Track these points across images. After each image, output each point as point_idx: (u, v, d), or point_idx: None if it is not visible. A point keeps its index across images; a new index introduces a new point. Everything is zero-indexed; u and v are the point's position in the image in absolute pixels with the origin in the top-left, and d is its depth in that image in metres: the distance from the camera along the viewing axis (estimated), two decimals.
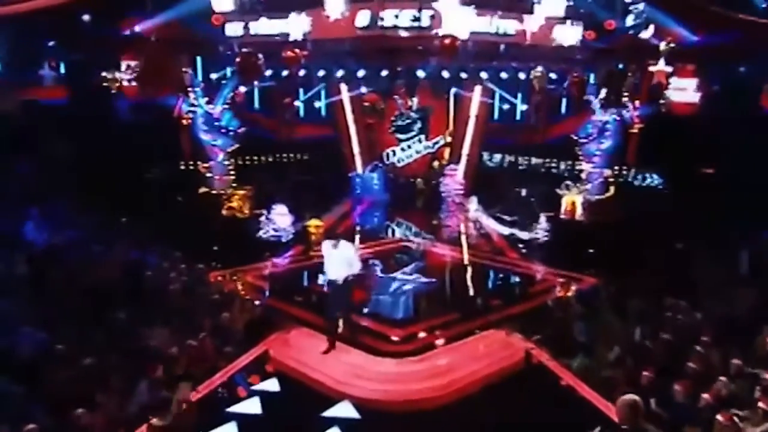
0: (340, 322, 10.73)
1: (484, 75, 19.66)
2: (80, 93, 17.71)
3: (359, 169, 22.89)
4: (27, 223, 13.56)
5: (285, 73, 18.40)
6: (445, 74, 19.30)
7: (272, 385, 9.64)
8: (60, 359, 9.20)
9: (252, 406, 9.16)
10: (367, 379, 9.66)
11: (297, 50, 16.87)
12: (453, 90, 21.79)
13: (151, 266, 13.34)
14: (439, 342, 10.81)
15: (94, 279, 12.11)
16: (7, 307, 10.46)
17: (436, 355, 10.36)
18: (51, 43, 18.01)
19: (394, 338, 10.95)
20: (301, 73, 18.94)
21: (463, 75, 19.60)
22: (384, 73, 19.25)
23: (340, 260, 10.08)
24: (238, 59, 17.06)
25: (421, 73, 19.23)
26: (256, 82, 19.41)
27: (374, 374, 9.76)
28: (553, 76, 18.58)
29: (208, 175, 18.25)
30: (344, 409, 9.04)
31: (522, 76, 19.04)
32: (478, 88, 21.43)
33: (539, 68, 18.27)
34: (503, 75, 19.46)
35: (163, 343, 10.12)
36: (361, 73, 19.48)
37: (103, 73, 17.84)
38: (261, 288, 13.44)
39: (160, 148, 17.84)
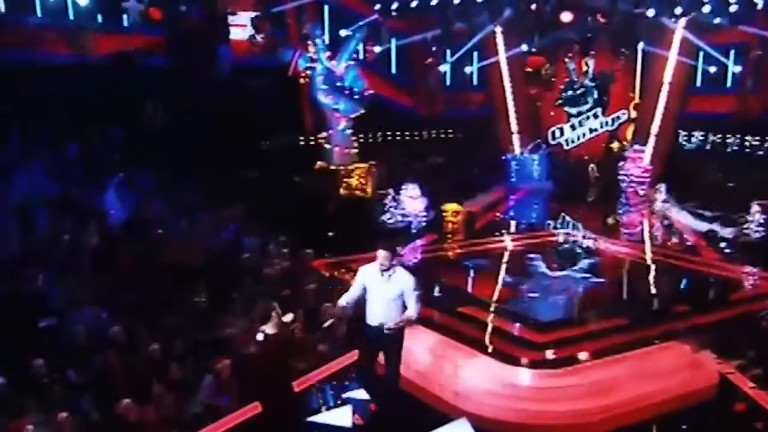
0: None
1: (683, 23, 18.14)
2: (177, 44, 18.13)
3: (516, 150, 22.51)
4: (108, 191, 13.80)
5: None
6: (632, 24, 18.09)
7: (342, 417, 9.05)
8: (116, 343, 9.33)
9: (340, 418, 8.81)
10: (493, 393, 9.08)
11: None
12: (641, 47, 20.36)
13: (247, 249, 13.39)
14: (598, 352, 9.86)
15: (176, 258, 12.23)
16: (71, 283, 10.76)
17: (592, 368, 9.52)
18: None
19: (537, 343, 10.19)
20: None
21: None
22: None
23: (389, 297, 8.17)
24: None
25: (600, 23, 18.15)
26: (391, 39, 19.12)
27: (504, 388, 9.16)
28: None
29: (327, 146, 18.27)
30: (461, 429, 8.52)
31: None
32: (675, 43, 19.73)
33: None
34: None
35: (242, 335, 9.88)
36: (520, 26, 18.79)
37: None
38: None
39: (269, 114, 18.05)
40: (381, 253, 7.99)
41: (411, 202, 16.64)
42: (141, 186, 14.87)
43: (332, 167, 17.95)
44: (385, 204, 16.66)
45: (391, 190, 16.81)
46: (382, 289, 8.06)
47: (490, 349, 9.95)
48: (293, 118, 18.92)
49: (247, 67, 18.52)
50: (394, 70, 22.82)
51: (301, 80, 18.13)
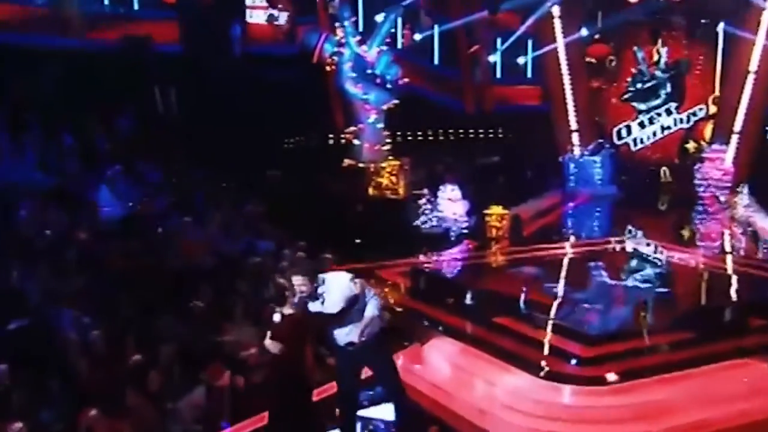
0: None
1: None
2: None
3: (576, 151, 22.09)
4: (102, 185, 13.93)
5: None
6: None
7: (388, 412, 9.08)
8: (94, 349, 9.41)
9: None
10: (529, 414, 8.99)
11: None
12: (721, 29, 19.86)
13: (259, 253, 13.32)
14: (653, 369, 9.65)
15: (175, 261, 12.38)
16: (50, 281, 10.80)
17: (645, 387, 9.31)
18: None
19: (583, 357, 9.95)
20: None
21: None
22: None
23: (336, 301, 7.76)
24: None
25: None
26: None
27: (542, 408, 9.05)
28: None
29: (355, 142, 18.22)
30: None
31: None
32: (764, 24, 19.36)
33: None
34: None
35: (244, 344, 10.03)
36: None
37: None
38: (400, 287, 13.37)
39: (291, 106, 18.12)
40: (297, 281, 7.49)
41: (450, 204, 16.49)
42: (147, 180, 15.11)
43: (361, 165, 17.92)
44: (419, 206, 16.51)
45: (426, 191, 16.68)
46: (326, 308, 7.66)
47: (527, 364, 9.78)
48: (318, 111, 19.00)
49: (267, 55, 18.96)
50: (436, 61, 22.55)
51: (327, 68, 18.18)
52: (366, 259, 14.17)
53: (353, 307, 7.64)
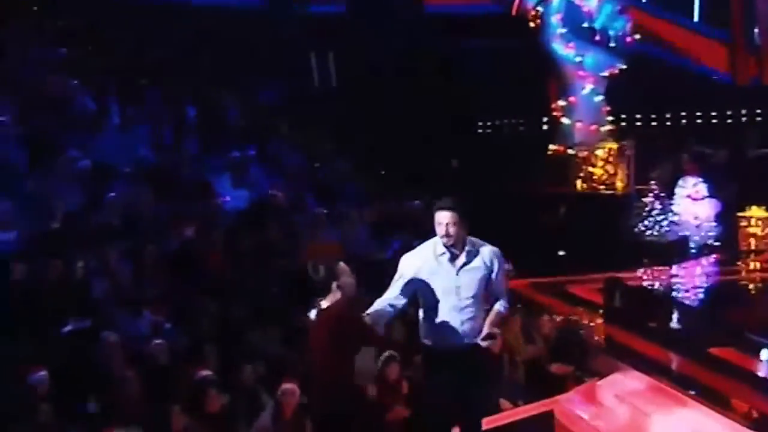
0: None
1: None
2: None
3: None
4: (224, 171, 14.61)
5: None
6: None
7: None
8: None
9: None
10: None
11: None
12: None
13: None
14: None
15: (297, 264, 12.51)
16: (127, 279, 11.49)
17: None
18: None
19: None
20: None
21: None
22: None
23: (464, 296, 6.93)
24: None
25: None
26: None
27: None
28: None
29: (564, 120, 17.57)
30: None
31: None
32: None
33: None
34: None
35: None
36: None
37: None
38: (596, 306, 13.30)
39: (478, 78, 18.61)
40: (443, 217, 6.67)
41: (690, 204, 16.17)
42: (285, 165, 15.74)
43: (570, 151, 17.48)
44: (644, 205, 16.15)
45: (654, 185, 16.35)
46: (451, 283, 6.84)
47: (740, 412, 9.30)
48: (514, 84, 18.68)
49: (447, 14, 19.41)
50: (696, 17, 21.40)
51: (530, 23, 17.75)
52: (559, 271, 14.74)
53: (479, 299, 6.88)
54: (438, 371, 6.85)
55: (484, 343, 6.53)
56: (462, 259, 6.64)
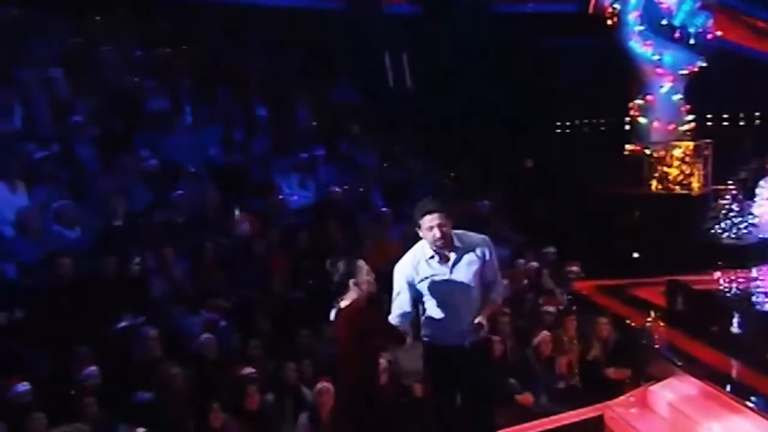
0: None
1: None
2: None
3: None
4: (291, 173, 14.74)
5: None
6: None
7: None
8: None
9: None
10: None
11: None
12: None
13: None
14: None
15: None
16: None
17: None
18: None
19: None
20: None
21: None
22: None
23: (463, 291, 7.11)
24: None
25: None
26: None
27: None
28: None
29: (641, 120, 17.38)
30: None
31: None
32: None
33: None
34: None
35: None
36: None
37: None
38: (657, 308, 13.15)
39: (554, 77, 19.03)
40: (432, 219, 6.79)
41: None
42: (355, 165, 15.83)
43: (647, 151, 17.21)
44: (721, 207, 16.14)
45: (733, 186, 16.25)
46: (446, 284, 6.99)
47: None
48: (591, 83, 18.77)
49: (524, 13, 19.82)
50: None
51: (608, 21, 17.45)
52: (631, 273, 14.59)
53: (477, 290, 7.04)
54: (441, 367, 7.01)
55: (473, 336, 6.82)
56: (452, 258, 6.82)
